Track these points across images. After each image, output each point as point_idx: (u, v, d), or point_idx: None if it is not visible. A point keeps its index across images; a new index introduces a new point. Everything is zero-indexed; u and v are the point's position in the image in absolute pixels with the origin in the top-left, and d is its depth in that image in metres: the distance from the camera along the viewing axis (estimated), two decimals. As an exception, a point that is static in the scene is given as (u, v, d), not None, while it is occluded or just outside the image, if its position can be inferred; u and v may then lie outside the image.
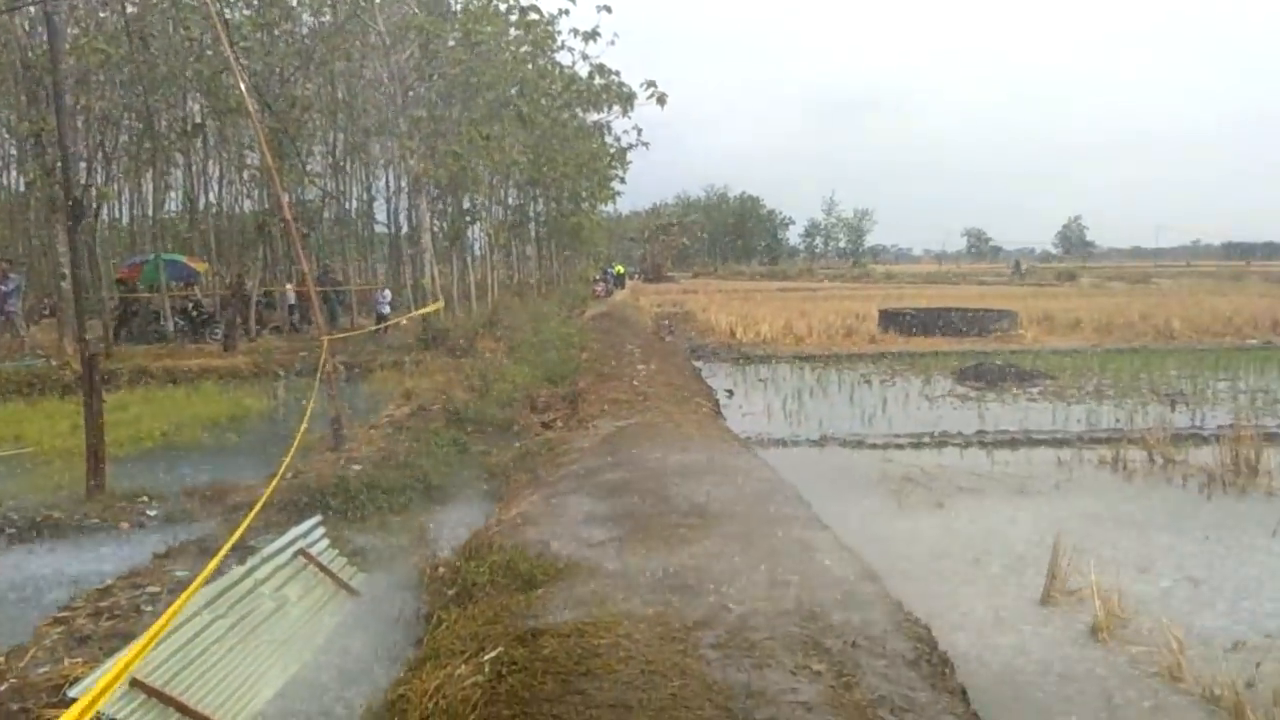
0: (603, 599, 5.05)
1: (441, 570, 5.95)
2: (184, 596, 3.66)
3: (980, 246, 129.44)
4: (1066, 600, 5.50)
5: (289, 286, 25.44)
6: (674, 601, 5.01)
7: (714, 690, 3.92)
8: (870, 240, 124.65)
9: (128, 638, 5.04)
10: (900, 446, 10.23)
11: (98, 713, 3.35)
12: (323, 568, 6.02)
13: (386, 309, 23.52)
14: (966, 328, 22.54)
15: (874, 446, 10.29)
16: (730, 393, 14.79)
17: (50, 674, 4.69)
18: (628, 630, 4.58)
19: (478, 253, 35.85)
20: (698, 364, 18.55)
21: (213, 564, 4.47)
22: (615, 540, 6.25)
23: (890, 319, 23.46)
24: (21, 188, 27.43)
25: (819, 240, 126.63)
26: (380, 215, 35.46)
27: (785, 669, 4.17)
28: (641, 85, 25.76)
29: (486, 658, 4.36)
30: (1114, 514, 7.47)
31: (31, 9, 15.02)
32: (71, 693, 4.11)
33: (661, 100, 24.79)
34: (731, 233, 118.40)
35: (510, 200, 37.78)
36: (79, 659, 4.87)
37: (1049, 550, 5.78)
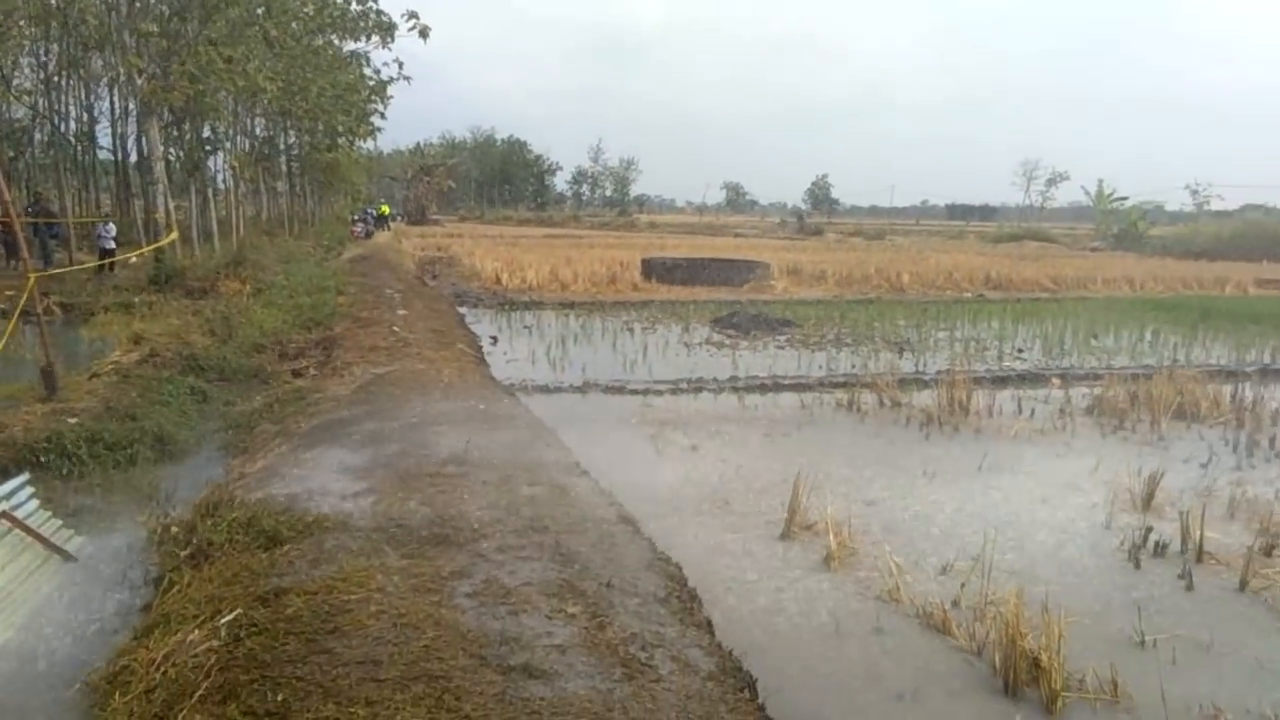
0: (355, 553, 4.86)
1: (174, 530, 5.49)
2: None
3: (738, 200, 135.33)
4: (804, 534, 5.91)
5: None
6: (430, 552, 4.90)
7: (468, 639, 3.88)
8: (635, 190, 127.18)
9: None
10: (659, 392, 10.54)
11: None
12: (30, 531, 5.38)
13: (111, 244, 21.16)
14: (724, 277, 23.53)
15: (634, 392, 10.55)
16: (495, 339, 14.63)
17: None
18: (380, 584, 4.44)
19: (221, 187, 33.08)
20: (462, 310, 18.20)
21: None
22: (370, 491, 6.03)
23: (653, 267, 24.04)
24: None
25: (586, 187, 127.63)
26: (104, 140, 31.85)
27: (541, 614, 4.20)
28: (403, 16, 24.56)
29: (223, 621, 4.08)
30: (849, 452, 8.09)
31: None
32: None
33: (424, 33, 23.79)
34: (498, 176, 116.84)
35: (258, 131, 35.11)
36: None
37: (790, 488, 6.16)
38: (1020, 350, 14.53)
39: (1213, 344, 15.66)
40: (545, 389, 10.62)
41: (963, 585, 5.07)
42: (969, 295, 23.71)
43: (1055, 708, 3.91)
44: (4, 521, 5.27)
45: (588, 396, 10.45)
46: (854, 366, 12.48)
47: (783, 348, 14.31)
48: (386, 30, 26.07)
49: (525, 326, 16.38)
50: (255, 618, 4.06)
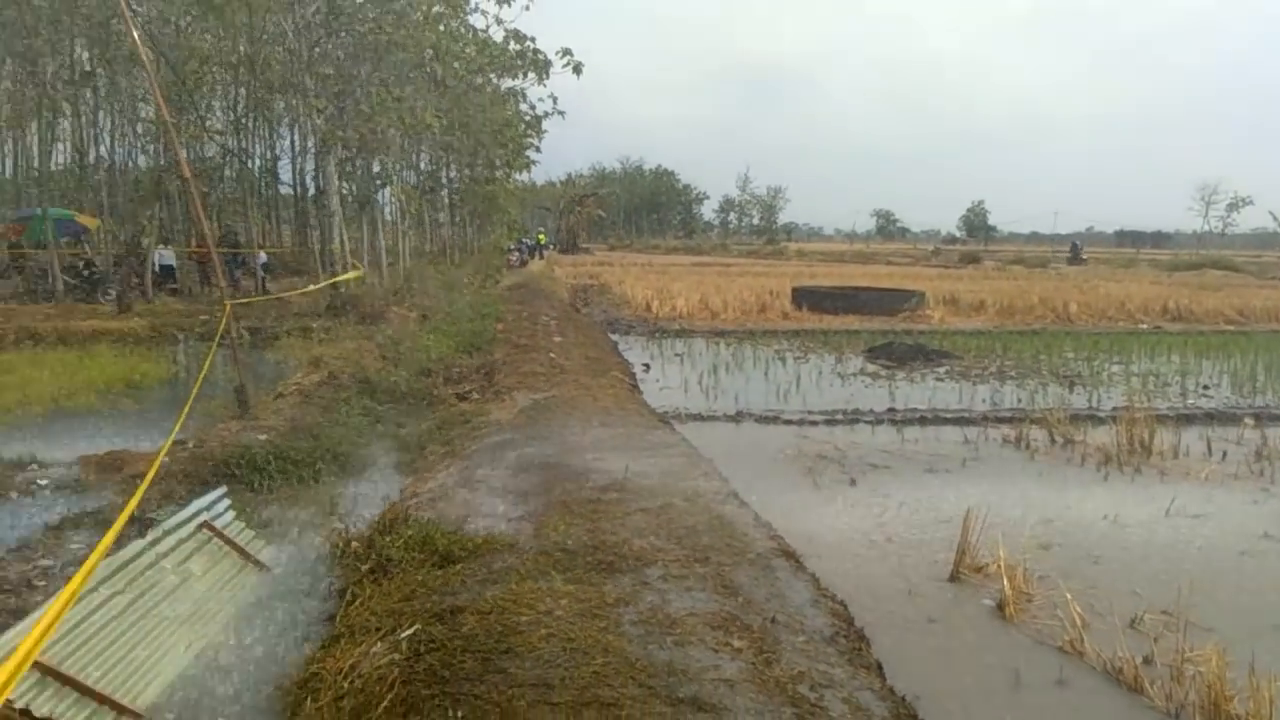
0: (523, 575, 4.97)
1: (354, 544, 5.78)
2: (83, 572, 3.43)
3: (889, 227, 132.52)
4: (974, 577, 5.66)
5: (163, 248, 23.97)
6: (594, 578, 4.97)
7: (636, 668, 3.90)
8: (783, 218, 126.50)
9: (17, 613, 4.77)
10: (814, 423, 10.38)
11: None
12: (229, 541, 5.78)
13: (261, 271, 23.11)
14: (877, 307, 23.01)
15: (789, 422, 10.42)
16: (647, 366, 14.78)
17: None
18: (549, 607, 4.53)
19: (388, 218, 34.96)
20: (614, 337, 18.50)
21: (109, 536, 4.22)
22: (534, 515, 6.18)
23: (803, 296, 23.77)
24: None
25: (733, 216, 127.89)
26: (285, 175, 34.26)
27: (707, 646, 4.18)
28: (557, 53, 25.40)
29: (403, 635, 4.25)
30: (1019, 491, 7.71)
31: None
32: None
33: (578, 69, 24.53)
34: (647, 206, 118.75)
35: (423, 165, 36.92)
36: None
37: (957, 527, 5.92)
38: (1206, 387, 13.52)
39: None
40: (699, 417, 10.63)
41: (1155, 640, 4.73)
42: (1144, 327, 22.29)
43: (1269, 781, 3.58)
44: (205, 531, 5.69)
45: (741, 425, 10.40)
46: (1020, 400, 11.93)
47: (942, 380, 13.84)
48: (542, 68, 26.99)
49: (676, 354, 16.48)
50: (433, 634, 4.21)
